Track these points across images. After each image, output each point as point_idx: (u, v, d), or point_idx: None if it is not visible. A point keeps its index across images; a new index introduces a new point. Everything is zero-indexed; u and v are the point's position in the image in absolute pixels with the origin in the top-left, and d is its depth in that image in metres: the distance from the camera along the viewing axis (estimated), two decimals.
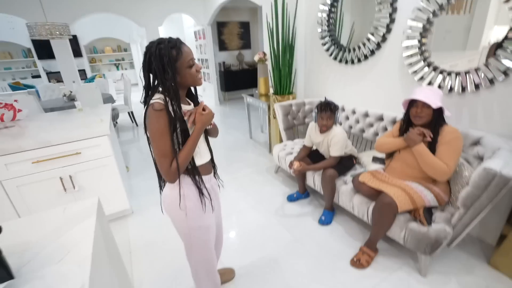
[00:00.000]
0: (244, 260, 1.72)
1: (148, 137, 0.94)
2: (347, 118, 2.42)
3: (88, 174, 1.93)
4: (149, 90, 0.94)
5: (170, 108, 0.89)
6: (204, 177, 1.06)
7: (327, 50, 2.53)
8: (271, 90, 3.06)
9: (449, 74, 1.66)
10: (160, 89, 0.91)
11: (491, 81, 1.48)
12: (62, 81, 4.96)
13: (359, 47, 2.22)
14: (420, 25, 1.73)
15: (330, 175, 1.86)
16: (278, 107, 2.62)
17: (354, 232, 1.89)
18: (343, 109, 2.46)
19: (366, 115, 2.23)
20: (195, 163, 1.00)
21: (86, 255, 0.75)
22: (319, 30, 2.54)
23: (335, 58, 2.48)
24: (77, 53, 7.69)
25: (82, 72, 7.98)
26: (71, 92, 4.11)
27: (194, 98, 1.09)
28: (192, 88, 1.07)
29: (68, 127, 2.03)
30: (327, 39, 2.50)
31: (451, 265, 1.58)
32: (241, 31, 6.31)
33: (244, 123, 4.65)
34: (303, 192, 2.29)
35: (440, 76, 1.70)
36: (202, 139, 1.06)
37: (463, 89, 1.61)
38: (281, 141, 2.88)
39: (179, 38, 0.91)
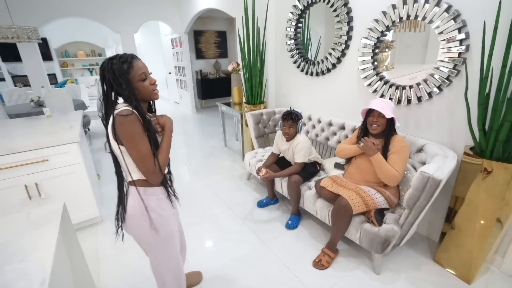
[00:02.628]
0: (212, 264, 1.77)
1: (111, 147, 0.98)
2: (314, 126, 2.57)
3: (56, 181, 1.91)
4: (107, 103, 0.97)
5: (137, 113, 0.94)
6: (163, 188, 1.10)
7: (295, 62, 2.69)
8: (244, 99, 3.17)
9: (397, 87, 1.84)
10: (120, 101, 0.96)
11: (429, 94, 1.68)
12: (29, 85, 4.76)
13: (322, 61, 2.39)
14: (372, 43, 1.91)
15: (295, 181, 1.97)
16: (249, 116, 2.72)
17: (317, 235, 2.01)
18: (309, 118, 2.61)
19: (330, 124, 2.39)
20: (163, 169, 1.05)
21: (48, 254, 0.78)
22: (287, 43, 2.70)
23: (302, 70, 2.64)
24: (47, 56, 7.40)
25: (52, 76, 7.67)
26: (39, 97, 3.97)
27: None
28: (153, 105, 1.13)
29: (34, 133, 2.00)
30: (294, 52, 2.66)
31: (402, 262, 1.73)
32: (218, 40, 6.42)
33: (220, 130, 4.71)
34: (272, 198, 2.39)
35: (391, 89, 1.89)
36: None
37: (409, 101, 1.80)
38: (253, 148, 2.98)
39: (133, 54, 0.97)
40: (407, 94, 1.79)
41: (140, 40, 8.59)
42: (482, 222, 1.46)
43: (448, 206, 1.66)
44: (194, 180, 2.99)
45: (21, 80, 6.72)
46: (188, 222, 2.19)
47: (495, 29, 1.27)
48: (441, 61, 1.58)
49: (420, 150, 1.73)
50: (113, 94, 0.95)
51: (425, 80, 1.68)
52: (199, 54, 6.33)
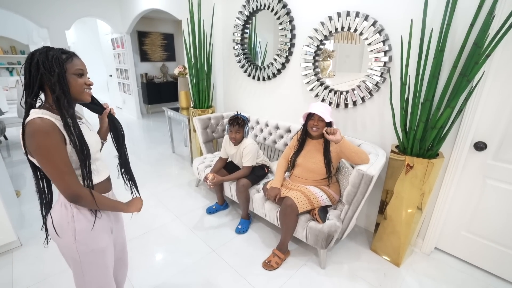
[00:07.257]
0: (158, 279, 1.63)
1: (28, 157, 0.84)
2: (262, 130, 2.61)
3: None
4: (28, 96, 0.83)
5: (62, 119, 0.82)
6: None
7: (242, 67, 2.71)
8: (192, 104, 3.07)
9: (336, 92, 1.99)
10: (39, 102, 0.84)
11: (363, 99, 1.86)
12: None
13: (268, 66, 2.46)
14: (313, 50, 2.04)
15: (243, 185, 1.96)
16: (197, 121, 2.64)
17: (268, 238, 2.02)
18: (257, 122, 2.65)
19: (277, 127, 2.46)
20: (92, 181, 0.92)
21: None
22: (235, 47, 2.71)
23: (249, 75, 2.68)
24: None
25: None
26: None
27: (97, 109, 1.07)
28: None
29: None
30: (241, 57, 2.68)
31: (344, 254, 1.85)
32: (164, 42, 6.15)
33: (167, 137, 4.48)
34: (222, 204, 2.34)
35: (330, 94, 2.03)
36: (99, 155, 1.00)
37: (346, 105, 1.96)
38: (201, 154, 2.89)
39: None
40: (345, 99, 1.95)
41: (75, 38, 7.73)
42: (407, 211, 1.64)
43: (381, 199, 1.83)
44: (140, 190, 2.74)
45: None
46: (131, 236, 2.00)
47: (409, 42, 1.46)
48: (371, 69, 1.76)
49: None
50: (36, 85, 0.81)
51: (358, 86, 1.85)
52: (144, 56, 5.97)
